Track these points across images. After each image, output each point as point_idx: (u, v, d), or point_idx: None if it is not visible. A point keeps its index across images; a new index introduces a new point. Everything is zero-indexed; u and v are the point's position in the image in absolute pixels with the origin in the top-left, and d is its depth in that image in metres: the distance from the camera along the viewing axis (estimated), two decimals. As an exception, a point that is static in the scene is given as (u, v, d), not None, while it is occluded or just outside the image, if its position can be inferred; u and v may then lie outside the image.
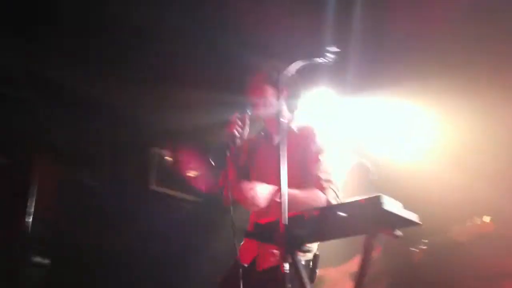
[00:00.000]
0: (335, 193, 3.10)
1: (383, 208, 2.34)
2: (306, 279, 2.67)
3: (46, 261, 4.68)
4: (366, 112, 5.81)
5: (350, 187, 4.66)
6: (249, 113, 3.07)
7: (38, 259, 4.61)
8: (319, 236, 2.83)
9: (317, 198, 3.01)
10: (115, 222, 5.59)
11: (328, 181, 3.11)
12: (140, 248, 5.79)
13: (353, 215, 2.46)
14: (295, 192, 2.97)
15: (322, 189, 3.09)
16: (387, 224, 2.48)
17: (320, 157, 3.14)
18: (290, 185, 2.66)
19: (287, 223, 2.49)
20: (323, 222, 2.58)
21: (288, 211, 2.83)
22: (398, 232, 2.52)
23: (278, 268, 2.70)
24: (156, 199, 6.49)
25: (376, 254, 3.68)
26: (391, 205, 2.40)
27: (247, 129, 3.06)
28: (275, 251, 2.83)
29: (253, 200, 2.87)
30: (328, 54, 2.97)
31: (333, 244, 3.90)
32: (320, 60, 2.94)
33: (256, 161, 3.22)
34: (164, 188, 6.62)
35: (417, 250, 4.53)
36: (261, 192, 2.96)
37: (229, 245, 2.97)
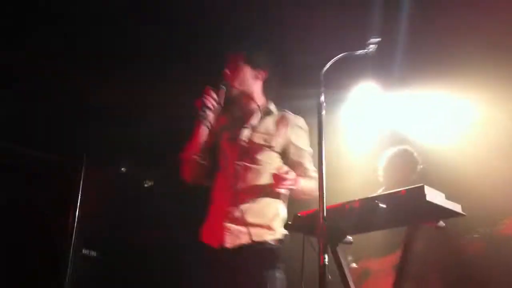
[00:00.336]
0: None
1: (425, 199, 2.30)
2: (347, 271, 2.67)
3: (94, 254, 4.82)
4: (412, 102, 5.70)
5: (393, 175, 4.59)
6: (223, 89, 3.03)
7: (86, 251, 4.76)
8: (360, 227, 2.80)
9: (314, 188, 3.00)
10: (166, 218, 5.66)
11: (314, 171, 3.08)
12: (191, 245, 5.82)
13: (394, 206, 2.43)
14: (306, 182, 3.03)
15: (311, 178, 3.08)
16: (430, 215, 2.44)
17: (304, 150, 3.12)
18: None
19: (327, 215, 2.47)
20: (364, 214, 2.55)
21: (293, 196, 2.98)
22: (441, 223, 2.48)
23: (248, 246, 2.79)
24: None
25: (420, 246, 3.62)
26: (434, 195, 2.36)
27: (219, 104, 3.02)
28: (242, 229, 2.84)
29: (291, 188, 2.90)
30: (369, 46, 2.91)
31: (377, 235, 3.87)
32: (361, 52, 2.89)
33: (226, 141, 3.14)
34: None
35: (467, 243, 4.41)
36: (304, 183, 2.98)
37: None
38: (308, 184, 3.04)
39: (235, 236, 2.88)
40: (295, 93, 5.10)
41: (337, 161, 5.14)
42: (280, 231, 3.00)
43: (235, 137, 3.08)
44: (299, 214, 2.89)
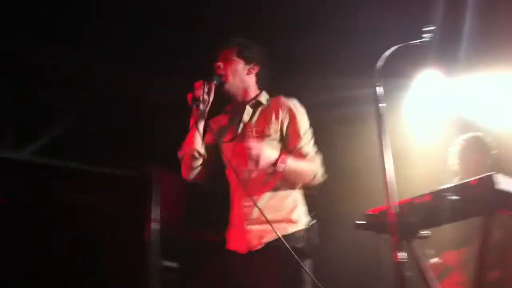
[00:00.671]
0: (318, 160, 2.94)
1: (496, 188, 2.25)
2: (425, 266, 2.64)
3: (175, 265, 4.94)
4: (480, 86, 5.53)
5: (468, 162, 4.46)
6: (216, 82, 2.97)
7: (167, 263, 4.88)
8: (433, 221, 2.75)
9: (315, 168, 2.89)
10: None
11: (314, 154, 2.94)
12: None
13: (465, 197, 2.39)
14: (298, 162, 2.85)
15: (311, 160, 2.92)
16: (503, 204, 2.38)
17: (300, 130, 2.95)
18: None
19: (398, 211, 2.45)
20: (435, 207, 2.52)
21: (289, 180, 2.87)
22: (517, 210, 2.41)
23: (274, 243, 2.71)
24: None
25: (497, 235, 3.52)
26: (506, 183, 2.30)
27: (211, 97, 2.89)
28: (263, 227, 2.76)
29: (257, 158, 2.67)
30: (425, 35, 2.86)
31: (452, 227, 3.78)
32: (416, 42, 2.84)
33: (226, 142, 3.06)
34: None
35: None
36: (268, 154, 2.73)
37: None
38: (300, 164, 2.87)
39: (258, 236, 2.79)
40: (351, 83, 5.14)
41: (405, 153, 5.08)
42: (303, 222, 2.90)
43: (232, 137, 3.03)
44: (369, 212, 2.87)
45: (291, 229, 2.80)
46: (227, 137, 3.04)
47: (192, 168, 2.96)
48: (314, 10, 5.13)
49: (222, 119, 3.16)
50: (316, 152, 2.97)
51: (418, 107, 5.74)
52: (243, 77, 3.00)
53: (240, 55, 3.00)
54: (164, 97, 5.74)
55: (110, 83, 5.79)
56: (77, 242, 5.29)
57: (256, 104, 3.04)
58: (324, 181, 2.99)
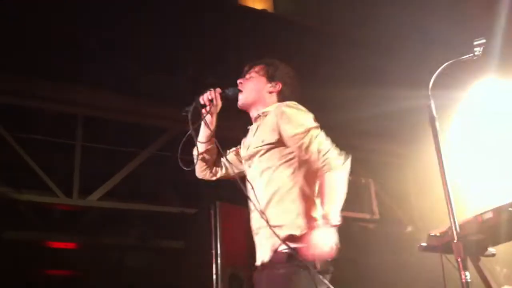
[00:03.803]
0: (335, 155, 2.62)
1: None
2: (492, 284, 2.58)
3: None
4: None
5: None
6: (228, 92, 2.89)
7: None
8: (500, 237, 2.70)
9: (338, 178, 2.55)
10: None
11: (325, 152, 2.68)
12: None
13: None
14: (334, 194, 2.55)
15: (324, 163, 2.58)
16: None
17: (297, 131, 2.75)
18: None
19: (461, 230, 2.41)
20: (499, 223, 2.47)
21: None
22: None
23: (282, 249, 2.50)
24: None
25: None
26: None
27: (216, 104, 2.87)
28: (270, 235, 2.58)
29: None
30: (475, 48, 2.83)
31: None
32: (468, 56, 2.82)
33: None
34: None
35: None
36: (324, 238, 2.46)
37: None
38: (339, 179, 2.57)
39: (266, 246, 2.60)
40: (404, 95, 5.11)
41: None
42: (308, 225, 2.59)
43: (242, 152, 2.99)
44: (432, 234, 2.84)
45: (295, 232, 2.56)
46: (239, 151, 3.02)
47: (199, 168, 2.99)
48: (364, 23, 5.20)
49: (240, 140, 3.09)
50: (327, 140, 2.67)
51: (474, 119, 5.62)
52: (262, 95, 2.94)
53: (265, 72, 2.96)
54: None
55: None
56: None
57: (262, 118, 2.91)
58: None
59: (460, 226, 2.40)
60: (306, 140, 2.62)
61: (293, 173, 2.65)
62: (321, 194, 2.61)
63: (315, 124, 2.69)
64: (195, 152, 2.94)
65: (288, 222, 2.56)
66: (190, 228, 5.60)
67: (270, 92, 2.92)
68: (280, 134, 2.68)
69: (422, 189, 5.69)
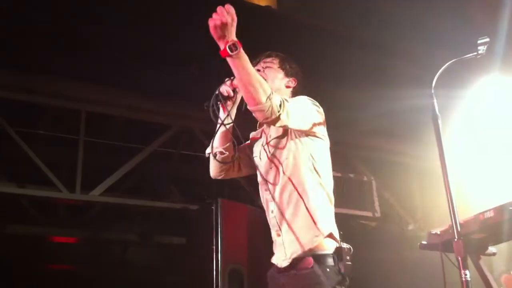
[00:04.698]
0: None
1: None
2: (494, 284, 2.58)
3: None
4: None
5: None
6: None
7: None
8: (501, 236, 2.70)
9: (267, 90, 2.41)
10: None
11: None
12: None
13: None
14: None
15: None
16: None
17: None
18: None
19: (462, 228, 2.41)
20: (500, 222, 2.48)
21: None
22: None
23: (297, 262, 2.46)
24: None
25: None
26: None
27: (238, 96, 2.69)
28: (290, 238, 2.53)
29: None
30: (479, 47, 2.83)
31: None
32: (472, 55, 2.81)
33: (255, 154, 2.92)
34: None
35: None
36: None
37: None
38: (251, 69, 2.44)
39: (285, 249, 2.55)
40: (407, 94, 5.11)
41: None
42: (327, 228, 2.56)
43: (258, 155, 2.90)
44: (433, 232, 2.84)
45: (315, 238, 2.51)
46: (256, 152, 2.89)
47: (218, 167, 2.83)
48: (368, 22, 5.21)
49: (258, 133, 2.99)
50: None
51: (477, 118, 5.62)
52: (280, 87, 2.87)
53: (281, 66, 2.91)
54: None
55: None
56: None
57: None
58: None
59: (461, 224, 2.40)
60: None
61: (312, 172, 2.60)
62: None
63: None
64: (208, 151, 2.77)
65: (312, 227, 2.51)
66: (192, 224, 5.61)
67: (287, 87, 2.89)
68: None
69: (424, 187, 5.70)
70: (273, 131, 2.74)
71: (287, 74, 2.89)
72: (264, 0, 5.44)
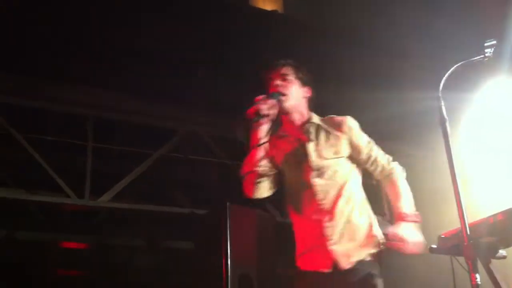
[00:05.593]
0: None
1: None
2: (504, 287, 2.56)
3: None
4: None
5: None
6: (277, 99, 2.76)
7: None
8: (510, 239, 2.68)
9: (405, 181, 2.85)
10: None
11: (391, 160, 2.88)
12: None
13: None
14: (408, 194, 2.80)
15: (391, 171, 2.86)
16: None
17: (365, 140, 2.86)
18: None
19: (472, 232, 2.40)
20: (510, 225, 2.46)
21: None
22: None
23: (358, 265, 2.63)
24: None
25: None
26: None
27: (273, 113, 2.75)
28: (348, 247, 2.70)
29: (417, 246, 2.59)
30: (486, 50, 2.82)
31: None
32: (479, 58, 2.80)
33: (293, 163, 2.94)
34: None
35: None
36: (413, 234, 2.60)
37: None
38: (404, 193, 2.82)
39: (346, 256, 2.66)
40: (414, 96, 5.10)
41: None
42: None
43: (302, 158, 2.93)
44: (442, 235, 2.83)
45: (367, 251, 2.69)
46: (294, 166, 2.88)
47: (256, 186, 2.86)
48: (374, 25, 5.20)
49: (281, 144, 2.98)
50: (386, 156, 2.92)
51: (485, 121, 5.60)
52: (299, 98, 2.90)
53: (297, 76, 2.91)
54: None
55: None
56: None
57: (315, 126, 2.91)
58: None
59: (471, 228, 2.39)
60: (373, 153, 2.87)
61: (360, 185, 2.86)
62: (393, 196, 2.83)
63: None
64: (259, 170, 2.84)
65: (366, 234, 2.72)
66: (200, 229, 5.61)
67: (304, 97, 2.93)
68: (352, 148, 2.83)
69: (433, 190, 5.66)
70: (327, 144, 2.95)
71: (302, 84, 2.93)
72: (270, 4, 5.45)
